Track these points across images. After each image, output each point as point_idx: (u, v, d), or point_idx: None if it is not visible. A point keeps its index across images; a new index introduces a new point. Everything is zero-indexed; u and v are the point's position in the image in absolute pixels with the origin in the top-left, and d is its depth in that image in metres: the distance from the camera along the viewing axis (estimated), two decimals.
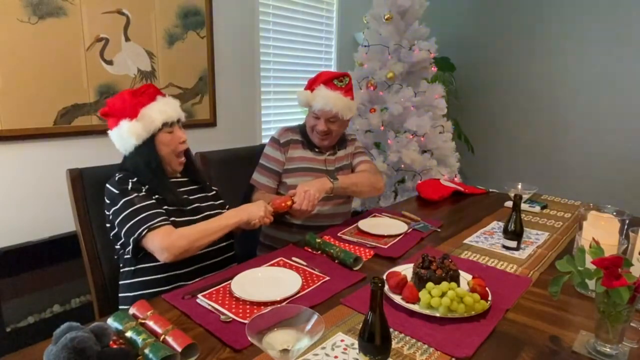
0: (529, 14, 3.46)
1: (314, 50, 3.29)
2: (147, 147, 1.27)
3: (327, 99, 1.63)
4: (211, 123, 2.59)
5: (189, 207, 1.32)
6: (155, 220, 1.18)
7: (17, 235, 1.87)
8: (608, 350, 0.86)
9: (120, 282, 1.28)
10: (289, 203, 1.45)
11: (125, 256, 1.25)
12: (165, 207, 1.26)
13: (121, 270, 1.29)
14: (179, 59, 2.35)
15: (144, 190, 1.24)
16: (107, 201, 1.24)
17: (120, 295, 1.29)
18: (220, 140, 2.63)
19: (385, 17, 2.80)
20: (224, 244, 1.39)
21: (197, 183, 1.44)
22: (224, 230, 1.26)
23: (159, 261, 1.20)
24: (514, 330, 0.97)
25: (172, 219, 1.24)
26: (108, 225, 1.27)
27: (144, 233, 1.16)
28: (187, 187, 1.40)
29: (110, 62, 2.07)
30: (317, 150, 1.77)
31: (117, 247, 1.28)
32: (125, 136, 1.24)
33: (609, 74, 3.16)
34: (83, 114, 2.01)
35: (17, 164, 1.86)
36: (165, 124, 1.28)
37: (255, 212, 1.32)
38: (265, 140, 2.88)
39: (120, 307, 1.29)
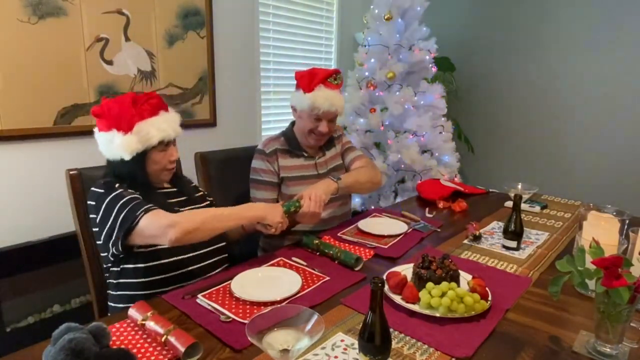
0: (529, 13, 3.45)
1: (314, 50, 3.29)
2: (136, 162, 1.20)
3: (331, 99, 1.61)
4: (211, 123, 2.59)
5: None
6: (151, 205, 1.13)
7: (17, 235, 1.87)
8: (608, 350, 0.86)
9: (109, 291, 1.26)
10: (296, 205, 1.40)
11: (112, 259, 1.19)
12: None
13: (107, 279, 1.25)
14: (179, 59, 2.35)
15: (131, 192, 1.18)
16: (92, 203, 1.17)
17: (110, 304, 1.27)
18: (220, 140, 2.63)
19: (385, 17, 2.80)
20: (216, 246, 1.32)
21: (185, 194, 1.37)
22: (237, 220, 1.20)
23: (145, 262, 1.17)
24: (514, 330, 0.97)
25: None
26: (96, 229, 1.18)
27: (141, 215, 1.09)
28: (175, 198, 1.34)
29: (110, 62, 2.07)
30: (305, 155, 1.72)
31: (104, 254, 1.21)
32: (115, 149, 1.17)
33: (609, 74, 3.16)
34: (83, 114, 2.01)
35: (17, 164, 1.86)
36: (161, 143, 1.21)
37: (273, 215, 1.26)
38: None
39: (110, 313, 1.26)
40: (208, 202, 1.44)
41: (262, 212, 1.25)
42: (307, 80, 1.63)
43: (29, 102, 1.84)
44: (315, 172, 1.72)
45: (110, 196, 1.15)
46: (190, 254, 1.25)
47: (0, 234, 1.83)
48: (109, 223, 1.12)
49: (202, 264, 1.28)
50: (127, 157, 1.17)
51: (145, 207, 1.12)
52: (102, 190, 1.17)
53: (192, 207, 1.34)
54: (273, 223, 1.26)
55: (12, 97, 1.80)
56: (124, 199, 1.13)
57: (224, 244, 1.37)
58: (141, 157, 1.21)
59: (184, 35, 2.35)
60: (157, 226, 1.08)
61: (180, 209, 1.28)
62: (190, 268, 1.25)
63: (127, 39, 2.12)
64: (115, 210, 1.12)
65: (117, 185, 1.18)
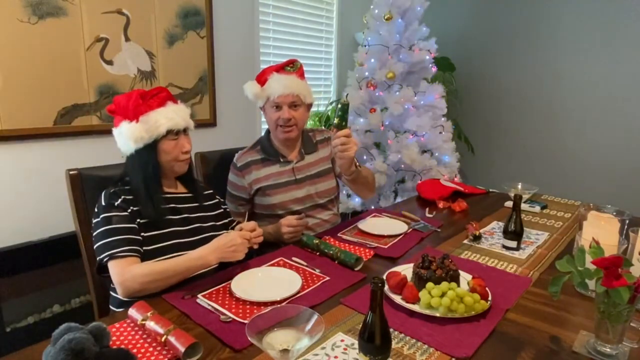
0: (529, 14, 3.45)
1: (314, 50, 3.28)
2: (148, 152, 1.24)
3: (285, 81, 1.56)
4: (211, 123, 2.59)
5: (188, 227, 1.28)
6: (120, 249, 1.12)
7: (17, 235, 1.87)
8: (608, 350, 0.86)
9: (111, 292, 1.27)
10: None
11: None
12: (155, 231, 1.21)
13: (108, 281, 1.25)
14: (179, 59, 2.35)
15: (129, 211, 1.19)
16: (95, 210, 1.21)
17: (110, 302, 1.27)
18: (220, 140, 2.63)
19: (385, 17, 2.80)
20: None
21: (197, 201, 1.37)
22: (187, 273, 1.15)
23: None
24: (514, 330, 0.97)
25: (162, 244, 1.20)
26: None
27: (105, 260, 1.12)
28: (187, 203, 1.34)
29: (110, 62, 2.07)
30: (282, 161, 1.66)
31: None
32: (123, 138, 1.21)
33: (609, 74, 3.16)
34: (83, 114, 2.01)
35: (17, 164, 1.86)
36: (170, 132, 1.24)
37: (233, 254, 1.15)
38: None
39: (111, 306, 1.27)
40: (221, 211, 1.43)
41: (215, 258, 1.15)
42: (259, 75, 1.63)
43: (29, 102, 1.84)
44: (292, 177, 1.66)
45: (103, 215, 1.17)
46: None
47: (0, 234, 1.83)
48: (95, 242, 1.16)
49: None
50: (133, 145, 1.21)
51: (112, 251, 1.12)
52: (103, 204, 1.20)
53: (201, 214, 1.35)
54: (238, 257, 1.16)
55: (12, 97, 1.79)
56: (109, 227, 1.15)
57: None
58: (152, 148, 1.24)
59: (184, 35, 2.35)
60: (113, 279, 1.12)
61: (190, 216, 1.31)
62: None
63: (127, 39, 2.12)
64: (98, 233, 1.16)
65: (117, 202, 1.19)
